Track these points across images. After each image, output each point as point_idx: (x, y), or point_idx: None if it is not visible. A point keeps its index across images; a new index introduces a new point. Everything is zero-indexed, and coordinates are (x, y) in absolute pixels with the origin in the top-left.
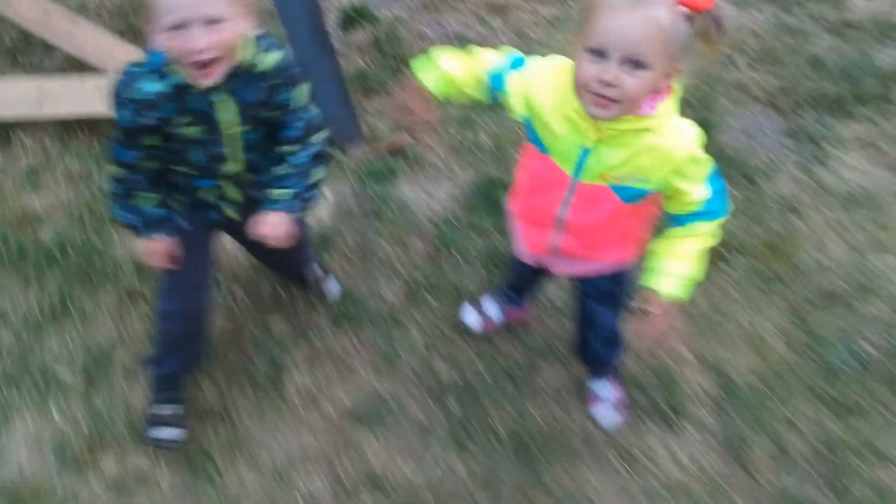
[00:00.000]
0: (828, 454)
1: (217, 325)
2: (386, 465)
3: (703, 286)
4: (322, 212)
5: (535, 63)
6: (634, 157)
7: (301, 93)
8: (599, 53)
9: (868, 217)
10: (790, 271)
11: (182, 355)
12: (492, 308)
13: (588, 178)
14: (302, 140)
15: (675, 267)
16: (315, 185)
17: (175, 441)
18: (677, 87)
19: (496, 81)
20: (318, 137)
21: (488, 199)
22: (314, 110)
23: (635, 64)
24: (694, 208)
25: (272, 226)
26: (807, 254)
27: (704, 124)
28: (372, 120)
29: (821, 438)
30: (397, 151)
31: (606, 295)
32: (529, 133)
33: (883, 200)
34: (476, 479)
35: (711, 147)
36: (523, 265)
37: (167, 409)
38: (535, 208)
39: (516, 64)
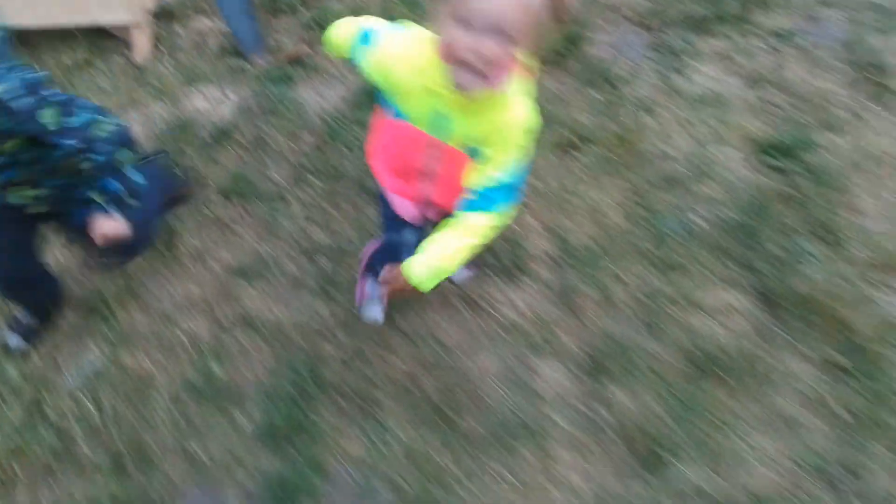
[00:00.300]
0: (648, 302)
1: None
2: (260, 310)
3: (555, 169)
4: (224, 109)
5: (392, 36)
6: (484, 126)
7: (48, 114)
8: (467, 24)
9: (713, 115)
10: (636, 159)
11: (22, 303)
12: (373, 287)
13: (447, 140)
14: (84, 151)
15: (435, 256)
16: (130, 183)
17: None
18: (530, 65)
19: (355, 54)
20: (103, 146)
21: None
22: (87, 121)
23: (501, 35)
24: (484, 184)
25: (97, 225)
26: (653, 145)
27: (575, 37)
28: (278, 36)
29: (643, 290)
30: (296, 60)
31: None
32: (383, 101)
33: (728, 102)
34: (337, 320)
35: (579, 57)
36: (399, 225)
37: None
38: (400, 167)
39: (365, 39)
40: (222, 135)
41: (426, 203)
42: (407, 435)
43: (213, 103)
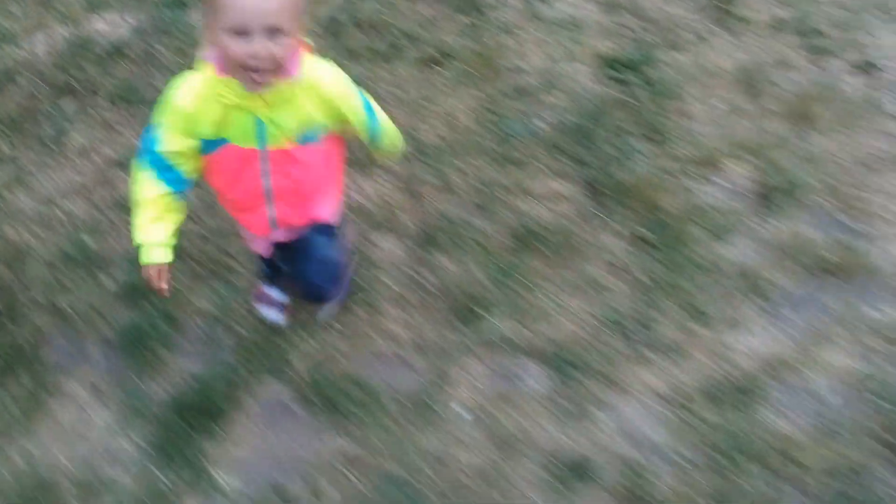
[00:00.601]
0: (484, 189)
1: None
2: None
3: (418, 82)
4: (121, 30)
5: (170, 108)
6: (301, 110)
7: None
8: (242, 32)
9: (568, 37)
10: (493, 73)
11: None
12: (277, 293)
13: (274, 143)
14: None
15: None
16: None
17: None
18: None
19: (164, 171)
20: None
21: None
22: None
23: (276, 32)
24: (366, 122)
25: None
26: (510, 61)
27: None
28: None
29: (481, 179)
30: None
31: (324, 227)
32: (203, 145)
33: (584, 25)
34: (203, 203)
35: None
36: (267, 258)
37: None
38: (243, 195)
39: (149, 147)
40: (116, 51)
41: (275, 229)
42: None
43: (112, 26)
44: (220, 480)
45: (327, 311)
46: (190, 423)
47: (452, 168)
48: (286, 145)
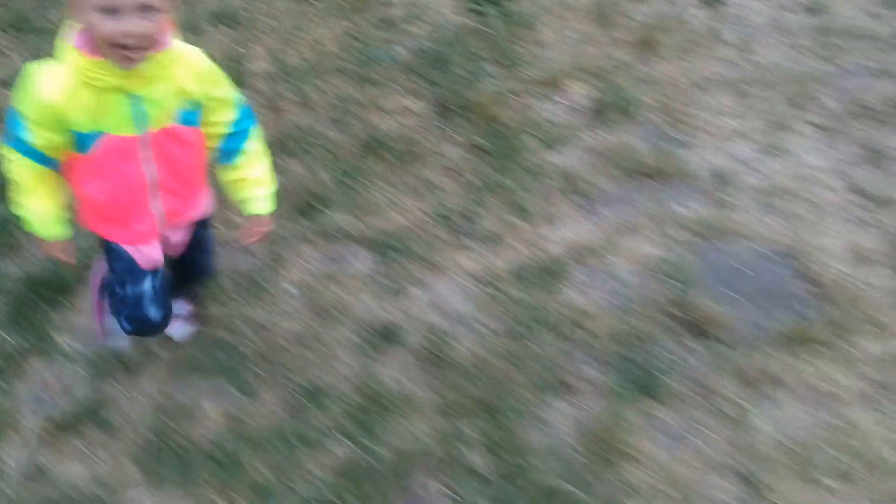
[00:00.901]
0: (339, 104)
1: None
2: None
3: (292, 13)
4: None
5: (36, 103)
6: (177, 82)
7: None
8: (112, 10)
9: None
10: (362, 5)
11: None
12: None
13: (154, 124)
14: None
15: (261, 190)
16: None
17: None
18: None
19: (34, 155)
20: None
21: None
22: None
23: (148, 9)
24: (231, 117)
25: None
26: None
27: None
28: None
29: (338, 96)
30: None
31: (203, 223)
32: (78, 142)
33: None
34: None
35: None
36: (138, 276)
37: None
38: (126, 193)
39: (16, 133)
40: None
41: (164, 227)
42: None
43: None
44: (64, 344)
45: (181, 330)
46: (40, 295)
47: (313, 87)
48: (167, 124)
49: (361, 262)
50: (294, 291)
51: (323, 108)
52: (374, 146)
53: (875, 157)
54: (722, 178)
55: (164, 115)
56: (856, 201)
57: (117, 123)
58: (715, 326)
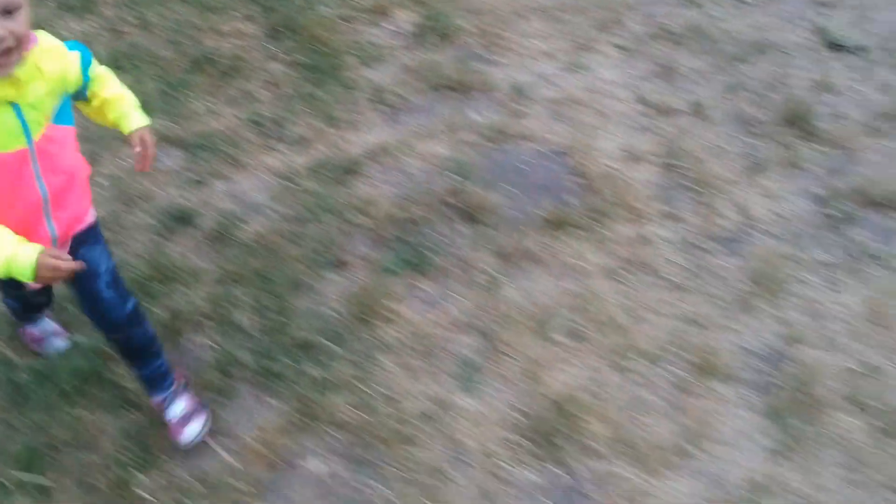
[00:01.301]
0: (177, 28)
1: None
2: None
3: None
4: None
5: None
6: (50, 76)
7: None
8: None
9: None
10: None
11: None
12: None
13: (37, 131)
14: None
15: (128, 105)
16: None
17: None
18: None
19: None
20: None
21: None
22: None
23: (9, 10)
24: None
25: None
26: None
27: None
28: None
29: (178, 21)
30: None
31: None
32: None
33: None
34: None
35: None
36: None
37: None
38: (21, 215)
39: None
40: None
41: (58, 245)
42: None
43: None
44: None
45: (192, 434)
46: None
47: (156, 13)
48: (45, 128)
49: (172, 159)
50: (105, 183)
51: (161, 30)
52: (203, 63)
53: (666, 72)
54: (520, 91)
55: (43, 117)
56: (640, 110)
57: (7, 139)
58: (484, 213)
